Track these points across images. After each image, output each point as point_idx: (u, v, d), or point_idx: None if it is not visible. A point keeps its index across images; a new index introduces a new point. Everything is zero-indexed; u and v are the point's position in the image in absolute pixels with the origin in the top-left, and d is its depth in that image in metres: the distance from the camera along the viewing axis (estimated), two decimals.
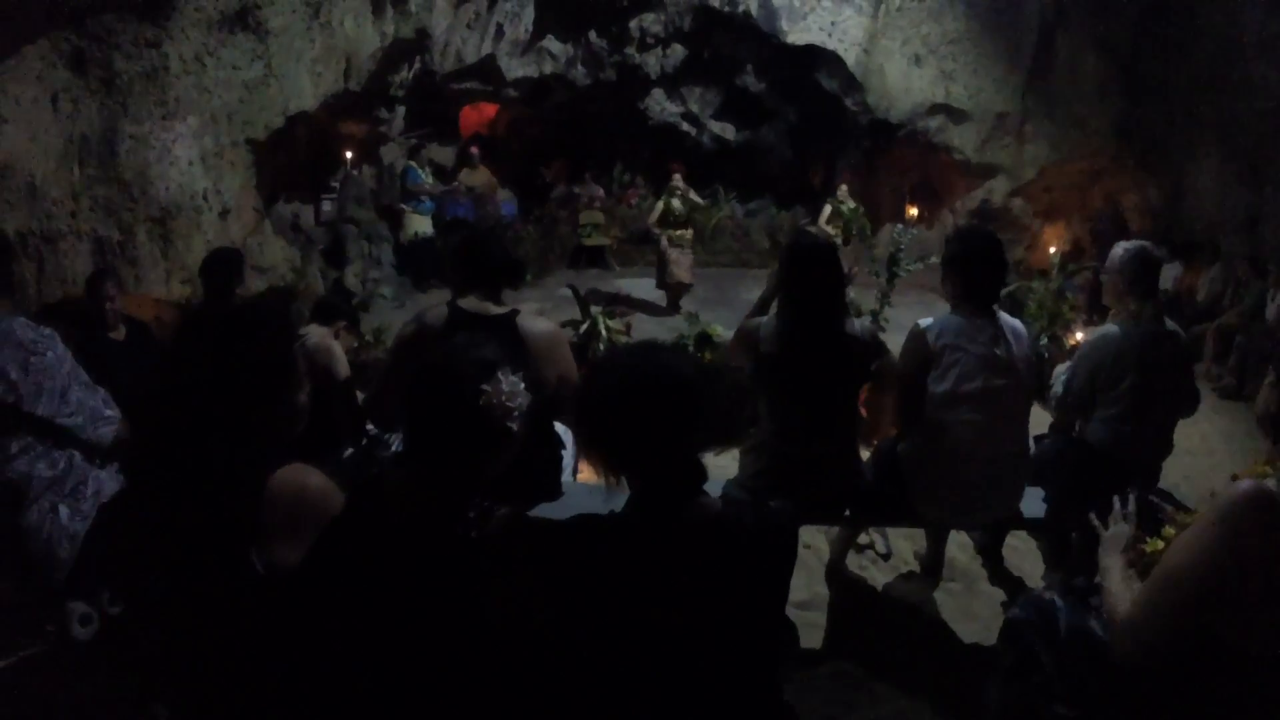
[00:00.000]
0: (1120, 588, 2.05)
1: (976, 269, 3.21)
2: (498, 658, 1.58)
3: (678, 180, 9.54)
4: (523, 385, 1.64)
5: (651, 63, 11.81)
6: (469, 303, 3.08)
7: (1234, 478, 1.87)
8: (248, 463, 1.75)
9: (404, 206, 10.41)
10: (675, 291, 9.29)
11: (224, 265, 4.66)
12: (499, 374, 1.61)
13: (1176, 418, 3.55)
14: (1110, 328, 3.48)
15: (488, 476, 1.66)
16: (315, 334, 3.85)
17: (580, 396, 1.69)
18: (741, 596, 1.61)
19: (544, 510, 3.15)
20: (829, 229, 10.06)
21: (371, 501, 1.66)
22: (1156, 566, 1.96)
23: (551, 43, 11.27)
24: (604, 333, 6.17)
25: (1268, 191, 8.99)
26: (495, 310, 3.09)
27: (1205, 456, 5.55)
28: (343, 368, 3.82)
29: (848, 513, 3.45)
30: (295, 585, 1.64)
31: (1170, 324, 3.53)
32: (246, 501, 1.71)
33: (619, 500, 1.66)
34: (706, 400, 1.62)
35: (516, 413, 1.62)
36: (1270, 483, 1.78)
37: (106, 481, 3.16)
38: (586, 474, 3.43)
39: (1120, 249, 3.55)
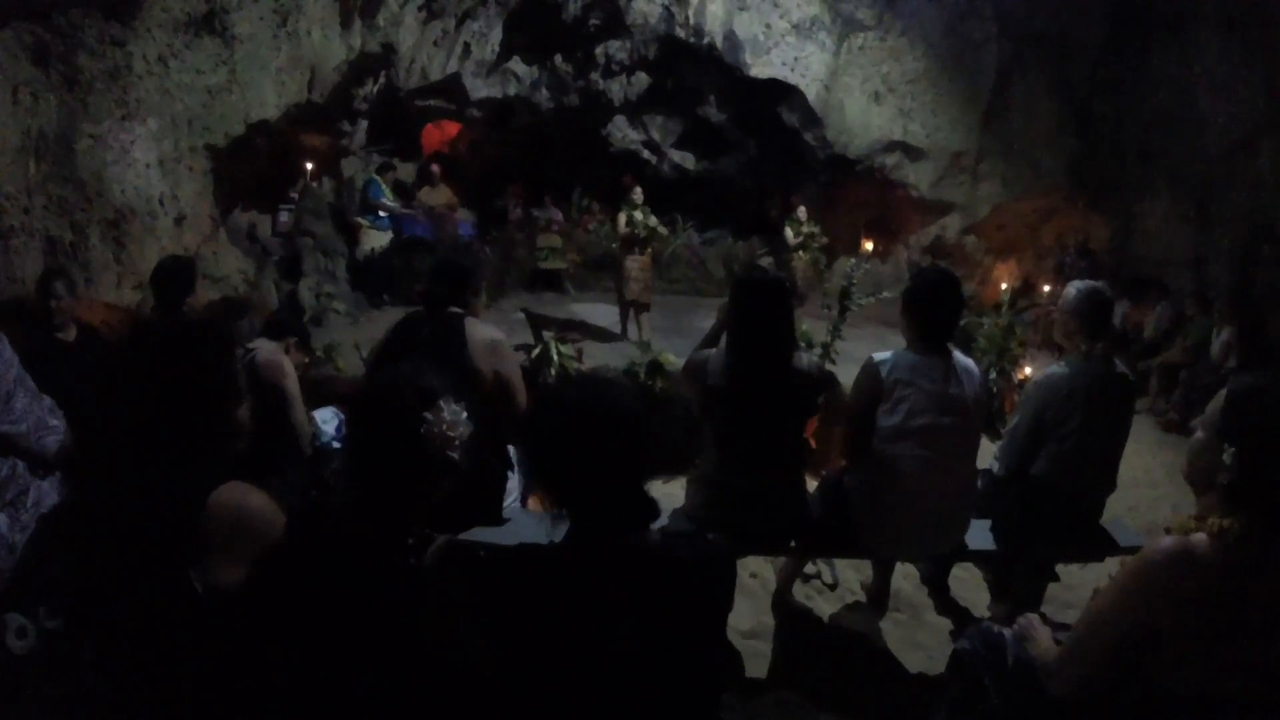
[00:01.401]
0: (1049, 647, 2.14)
1: (934, 309, 3.26)
2: (435, 686, 1.57)
3: (637, 194, 9.53)
4: (464, 415, 1.63)
5: (615, 89, 11.88)
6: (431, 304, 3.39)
7: (1166, 530, 1.90)
8: (187, 480, 1.72)
9: (361, 221, 10.32)
10: (635, 310, 9.22)
11: (175, 274, 4.58)
12: (440, 403, 1.60)
13: (1119, 456, 3.61)
14: (1059, 367, 3.52)
15: (428, 505, 1.65)
16: (264, 349, 3.80)
17: (526, 429, 1.69)
18: (678, 628, 1.61)
19: (488, 536, 3.14)
20: (801, 254, 10.22)
21: (312, 528, 1.64)
22: (1084, 611, 2.01)
23: (517, 65, 11.30)
24: (555, 358, 6.16)
25: (1215, 231, 9.27)
26: (449, 310, 3.38)
27: (1149, 489, 5.68)
28: (291, 384, 3.77)
29: (793, 544, 3.47)
30: (235, 608, 1.61)
31: (1119, 365, 3.56)
32: (185, 519, 1.68)
33: (562, 529, 1.66)
34: (651, 435, 1.63)
35: (458, 442, 1.61)
36: (1197, 537, 1.81)
37: (48, 493, 3.07)
38: (536, 503, 3.42)
39: (1073, 289, 3.58)
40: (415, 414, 1.57)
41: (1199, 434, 1.93)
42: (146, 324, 3.63)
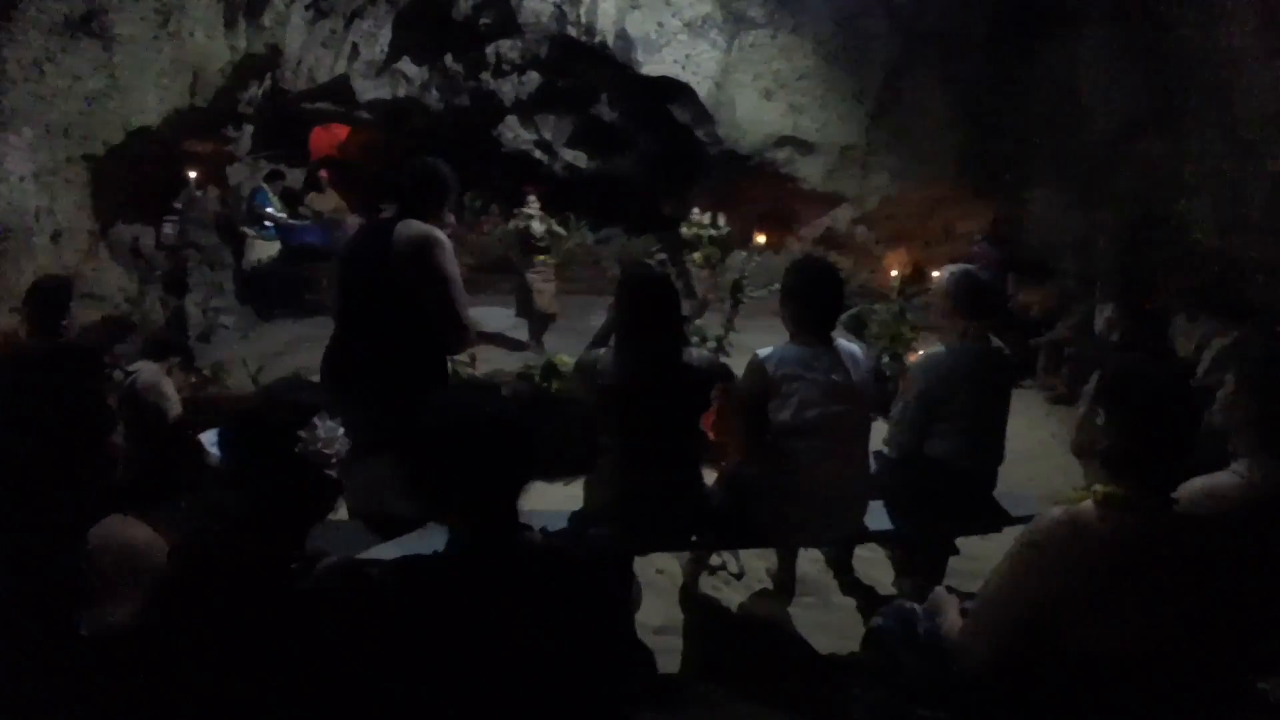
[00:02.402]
0: (956, 620, 2.21)
1: (813, 300, 3.33)
2: (333, 707, 1.54)
3: (532, 202, 9.45)
4: (340, 431, 1.59)
5: (506, 89, 11.77)
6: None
7: (1056, 504, 1.99)
8: (65, 516, 1.64)
9: (248, 231, 9.99)
10: (541, 322, 9.15)
11: (49, 296, 4.37)
12: (315, 420, 1.56)
13: (1005, 426, 3.75)
14: (937, 349, 3.66)
15: (311, 524, 1.62)
16: (145, 372, 3.66)
17: (408, 439, 1.67)
18: (574, 626, 1.62)
19: (377, 552, 3.07)
20: (696, 256, 10.25)
21: (195, 557, 1.58)
22: (980, 590, 2.09)
23: (407, 65, 11.09)
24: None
25: (1097, 215, 9.71)
26: (386, 215, 3.33)
27: (1044, 460, 5.90)
28: (173, 407, 3.64)
29: (695, 538, 3.50)
30: (126, 648, 1.55)
31: (995, 341, 3.71)
32: (66, 559, 1.60)
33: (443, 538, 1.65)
34: (531, 443, 1.64)
35: (335, 459, 1.58)
36: (1084, 505, 1.90)
37: None
38: None
39: (946, 272, 3.73)
40: (289, 433, 1.54)
41: (1081, 409, 2.06)
42: (16, 350, 3.44)
